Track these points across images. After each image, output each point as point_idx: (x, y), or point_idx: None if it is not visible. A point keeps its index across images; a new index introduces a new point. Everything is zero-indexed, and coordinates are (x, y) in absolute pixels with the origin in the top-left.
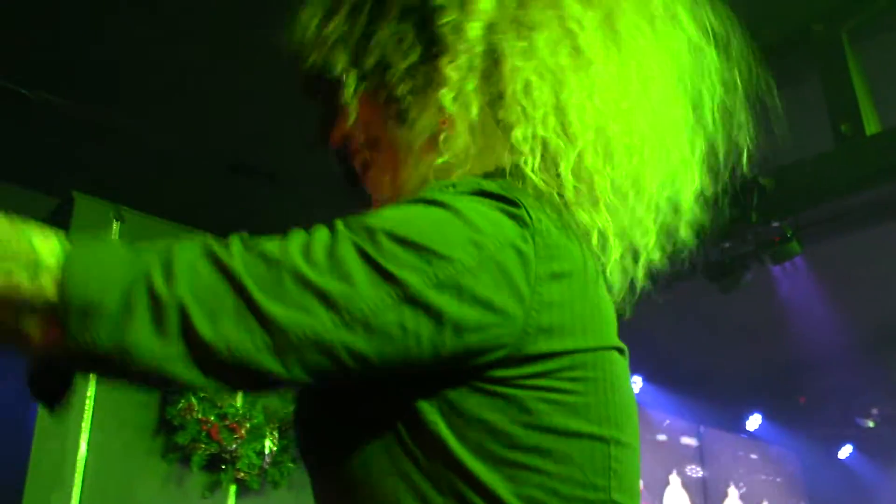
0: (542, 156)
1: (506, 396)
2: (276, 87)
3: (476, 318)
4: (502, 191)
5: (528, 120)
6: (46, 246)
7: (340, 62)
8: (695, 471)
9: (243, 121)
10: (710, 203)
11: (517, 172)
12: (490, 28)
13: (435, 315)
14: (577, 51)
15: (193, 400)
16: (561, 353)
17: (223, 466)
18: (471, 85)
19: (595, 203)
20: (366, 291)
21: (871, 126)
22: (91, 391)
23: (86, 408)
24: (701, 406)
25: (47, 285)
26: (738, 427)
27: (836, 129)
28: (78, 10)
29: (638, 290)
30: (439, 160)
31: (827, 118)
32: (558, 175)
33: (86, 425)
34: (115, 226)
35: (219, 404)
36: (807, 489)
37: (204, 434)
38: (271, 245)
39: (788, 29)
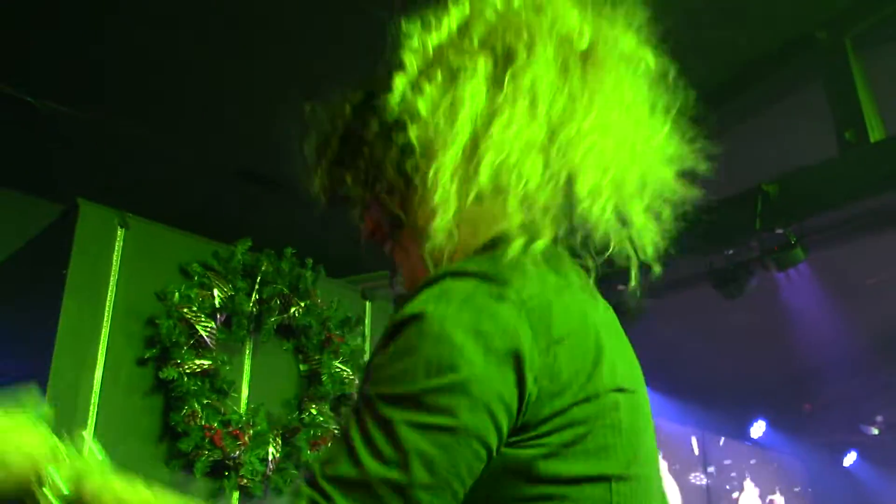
0: (538, 212)
1: (509, 456)
2: (282, 93)
3: (503, 417)
4: (493, 270)
5: (518, 184)
6: None
7: (344, 180)
8: (698, 478)
9: (249, 127)
10: (714, 211)
11: (517, 234)
12: (466, 125)
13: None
14: (542, 116)
15: (197, 406)
16: (559, 411)
17: (226, 473)
18: (448, 175)
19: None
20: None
21: (876, 133)
22: (94, 399)
23: (89, 416)
24: (705, 413)
25: None
26: (743, 434)
27: (840, 136)
28: (79, 12)
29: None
30: (429, 245)
31: (831, 125)
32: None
33: (89, 433)
34: (120, 233)
35: (222, 411)
36: (811, 496)
37: (207, 441)
38: (345, 467)
39: (792, 36)
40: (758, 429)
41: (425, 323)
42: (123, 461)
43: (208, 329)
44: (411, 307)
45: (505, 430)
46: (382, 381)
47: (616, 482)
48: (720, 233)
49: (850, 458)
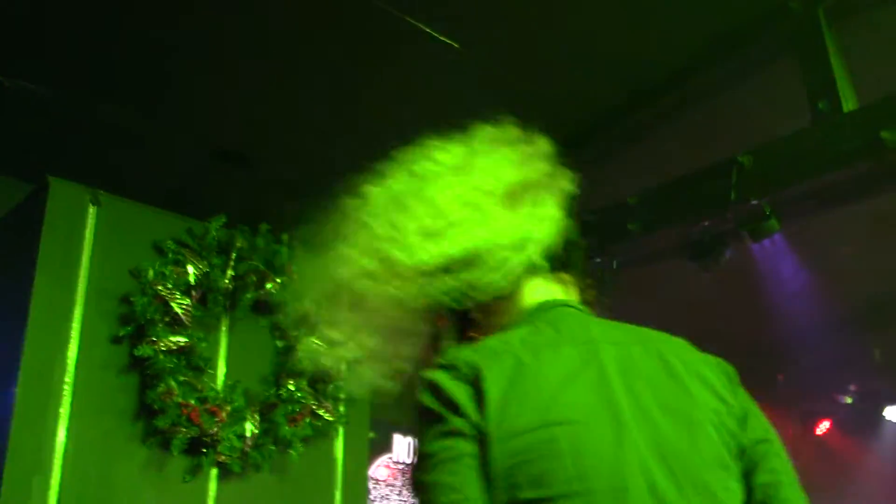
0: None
1: None
2: (257, 72)
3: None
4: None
5: None
6: None
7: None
8: None
9: (223, 106)
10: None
11: None
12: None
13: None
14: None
15: (173, 384)
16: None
17: (204, 450)
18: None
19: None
20: None
21: (849, 103)
22: (70, 378)
23: (64, 394)
24: None
25: None
26: None
27: (813, 106)
28: None
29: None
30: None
31: (805, 96)
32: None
33: (64, 411)
34: (92, 210)
35: (199, 388)
36: None
37: (184, 418)
38: None
39: (766, 7)
40: None
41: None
42: (99, 439)
43: (183, 306)
44: None
45: None
46: None
47: (562, 500)
48: (696, 205)
49: (822, 427)
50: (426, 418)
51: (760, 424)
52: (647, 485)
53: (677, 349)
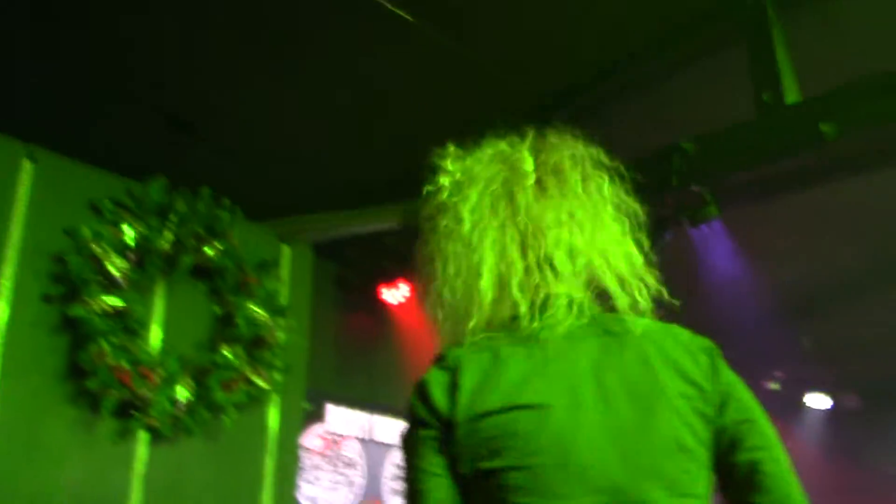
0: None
1: None
2: (200, 38)
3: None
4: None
5: None
6: None
7: None
8: None
9: (167, 70)
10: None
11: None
12: None
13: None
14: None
15: (105, 345)
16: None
17: (135, 413)
18: None
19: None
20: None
21: (792, 95)
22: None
23: None
24: None
25: None
26: None
27: (758, 97)
28: None
29: None
30: None
31: (751, 86)
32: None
33: None
34: (28, 166)
35: (132, 350)
36: None
37: (116, 380)
38: None
39: None
40: None
41: None
42: (28, 398)
43: (119, 268)
44: None
45: None
46: None
47: (508, 472)
48: (638, 189)
49: None
50: (407, 408)
51: (742, 406)
52: (593, 463)
53: (660, 336)
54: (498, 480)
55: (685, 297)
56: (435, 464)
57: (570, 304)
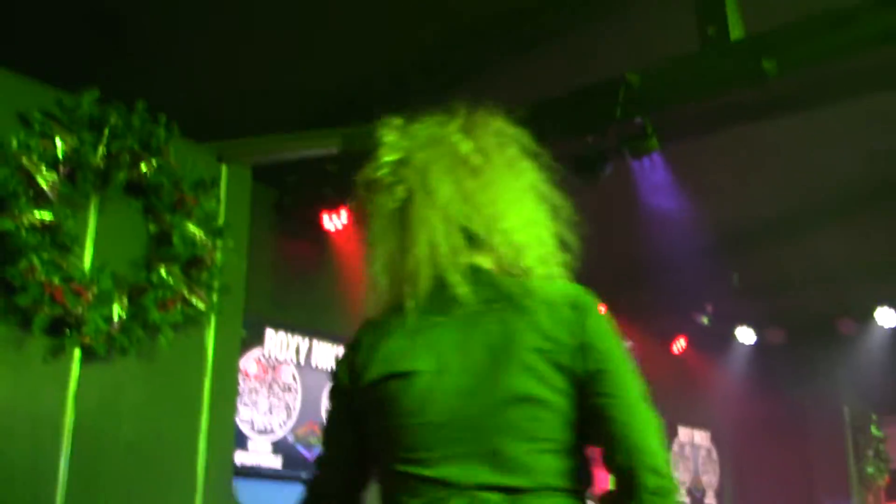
0: None
1: None
2: None
3: None
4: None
5: None
6: None
7: None
8: None
9: None
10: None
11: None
12: None
13: None
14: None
15: (36, 261)
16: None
17: (67, 331)
18: None
19: None
20: None
21: (736, 31)
22: None
23: None
24: None
25: None
26: None
27: (703, 31)
28: None
29: None
30: None
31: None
32: None
33: None
34: None
35: (64, 267)
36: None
37: (47, 297)
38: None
39: None
40: None
41: None
42: None
43: (49, 181)
44: None
45: None
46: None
47: (392, 430)
48: (582, 119)
49: (679, 345)
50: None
51: (599, 356)
52: (447, 420)
53: (531, 295)
54: (385, 437)
55: (623, 230)
56: (342, 419)
57: (475, 274)
